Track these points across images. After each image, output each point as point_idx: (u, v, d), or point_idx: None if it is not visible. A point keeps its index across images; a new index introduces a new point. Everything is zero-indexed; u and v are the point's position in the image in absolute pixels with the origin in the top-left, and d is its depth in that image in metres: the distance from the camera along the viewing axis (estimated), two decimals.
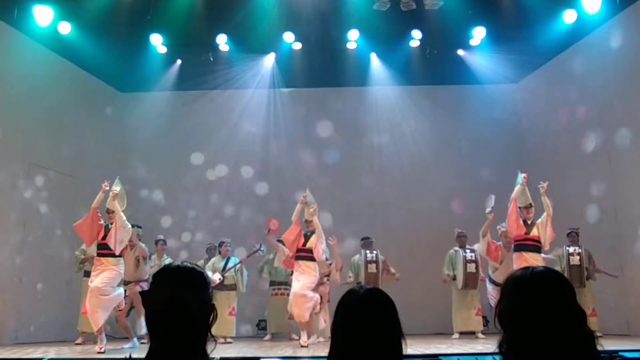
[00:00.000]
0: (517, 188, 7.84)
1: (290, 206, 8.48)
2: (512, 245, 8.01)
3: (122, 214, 7.32)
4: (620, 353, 5.08)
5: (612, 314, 8.82)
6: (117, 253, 7.23)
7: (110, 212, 7.32)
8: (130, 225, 7.44)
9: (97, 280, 7.05)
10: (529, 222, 7.85)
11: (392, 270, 9.51)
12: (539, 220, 7.82)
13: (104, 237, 7.25)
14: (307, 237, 8.14)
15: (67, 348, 7.59)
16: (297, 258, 8.05)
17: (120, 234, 7.22)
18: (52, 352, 6.84)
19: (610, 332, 8.39)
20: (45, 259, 9.17)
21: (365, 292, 1.77)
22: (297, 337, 8.77)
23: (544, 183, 7.77)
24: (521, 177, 7.91)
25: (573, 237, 9.04)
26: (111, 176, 7.72)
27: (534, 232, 7.80)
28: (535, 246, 7.77)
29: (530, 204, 7.88)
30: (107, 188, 7.34)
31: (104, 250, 7.24)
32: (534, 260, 7.51)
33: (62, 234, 9.47)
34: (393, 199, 11.20)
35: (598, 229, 9.31)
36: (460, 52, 10.92)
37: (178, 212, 11.23)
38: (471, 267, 9.27)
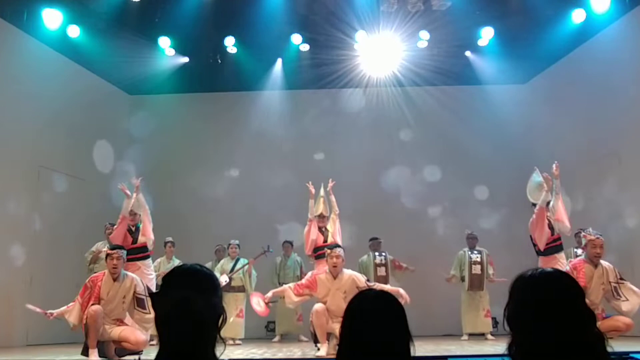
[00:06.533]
0: (543, 194, 7.21)
1: (303, 206, 8.38)
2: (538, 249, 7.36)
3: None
4: (631, 354, 5.04)
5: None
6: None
7: (133, 214, 7.56)
8: None
9: None
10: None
11: (404, 265, 9.52)
12: (548, 214, 7.30)
13: (134, 242, 7.45)
14: (324, 233, 7.74)
15: (77, 350, 7.61)
16: (318, 257, 7.40)
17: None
18: (63, 355, 6.86)
19: (622, 334, 8.31)
20: (55, 260, 9.21)
21: (374, 296, 1.77)
22: (305, 339, 8.77)
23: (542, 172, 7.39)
24: (539, 174, 7.48)
25: (580, 238, 8.95)
26: (119, 179, 7.82)
27: (556, 230, 7.33)
28: (562, 245, 7.45)
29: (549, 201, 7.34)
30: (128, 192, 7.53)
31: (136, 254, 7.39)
32: (563, 259, 7.27)
33: (72, 236, 9.50)
34: (402, 199, 11.15)
35: (607, 230, 9.22)
36: (467, 52, 10.90)
37: (186, 215, 11.21)
38: (476, 269, 9.25)
